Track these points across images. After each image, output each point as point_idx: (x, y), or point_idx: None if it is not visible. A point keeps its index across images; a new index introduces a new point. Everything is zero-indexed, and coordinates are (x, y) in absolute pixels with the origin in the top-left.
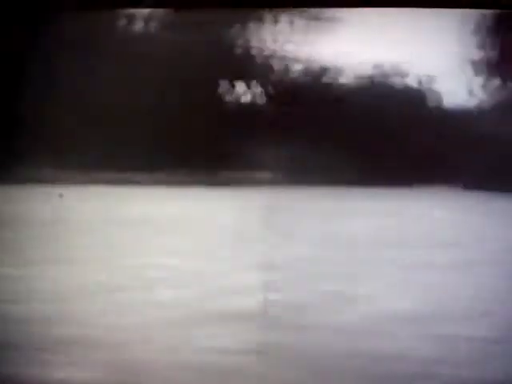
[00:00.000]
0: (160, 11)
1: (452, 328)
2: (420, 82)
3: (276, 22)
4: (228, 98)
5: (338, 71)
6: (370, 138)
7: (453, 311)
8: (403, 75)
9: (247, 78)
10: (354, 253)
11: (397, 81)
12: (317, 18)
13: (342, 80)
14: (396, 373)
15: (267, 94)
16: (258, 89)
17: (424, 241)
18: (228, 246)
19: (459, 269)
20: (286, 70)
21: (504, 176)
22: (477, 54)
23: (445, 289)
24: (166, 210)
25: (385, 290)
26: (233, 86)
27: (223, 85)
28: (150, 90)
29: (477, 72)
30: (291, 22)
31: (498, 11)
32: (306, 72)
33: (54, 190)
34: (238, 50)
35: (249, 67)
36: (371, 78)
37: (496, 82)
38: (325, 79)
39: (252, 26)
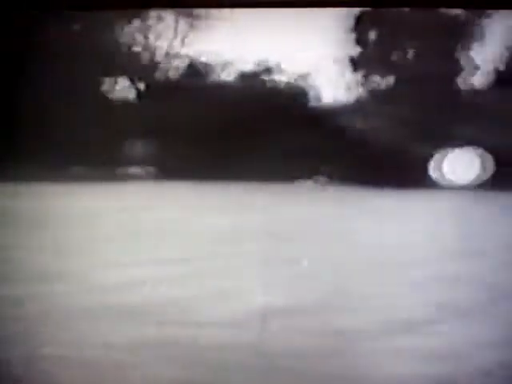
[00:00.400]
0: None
1: (312, 321)
2: (296, 79)
3: (160, 20)
4: (110, 95)
5: (219, 69)
6: (249, 136)
7: (317, 305)
8: (282, 73)
9: (130, 76)
10: (220, 248)
11: (276, 78)
12: (199, 17)
13: (223, 78)
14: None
15: (149, 92)
16: (140, 86)
17: (292, 234)
18: (116, 241)
19: (327, 263)
20: (169, 67)
21: (374, 171)
22: (353, 52)
23: (313, 282)
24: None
25: (252, 285)
26: (115, 83)
27: (106, 82)
28: (37, 89)
29: (352, 69)
30: (175, 21)
31: (373, 8)
32: (188, 70)
33: None
34: (121, 48)
35: (131, 65)
36: (251, 76)
37: (371, 78)
38: (206, 77)
39: (136, 24)
